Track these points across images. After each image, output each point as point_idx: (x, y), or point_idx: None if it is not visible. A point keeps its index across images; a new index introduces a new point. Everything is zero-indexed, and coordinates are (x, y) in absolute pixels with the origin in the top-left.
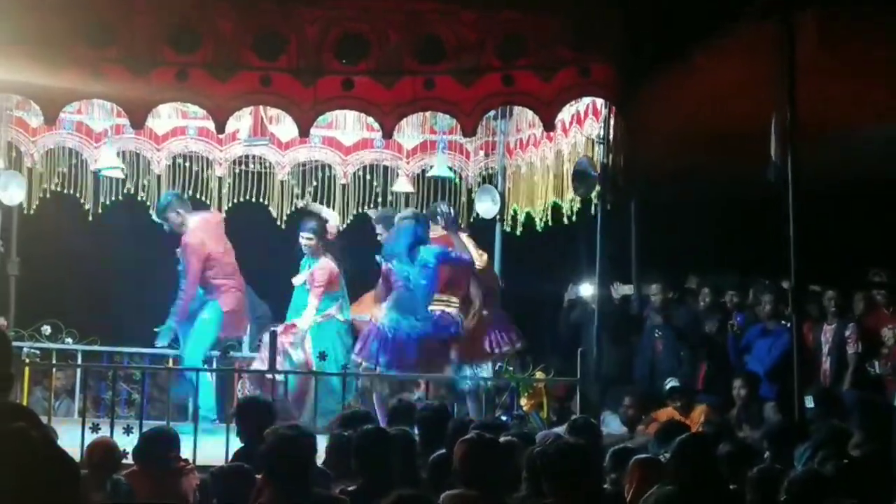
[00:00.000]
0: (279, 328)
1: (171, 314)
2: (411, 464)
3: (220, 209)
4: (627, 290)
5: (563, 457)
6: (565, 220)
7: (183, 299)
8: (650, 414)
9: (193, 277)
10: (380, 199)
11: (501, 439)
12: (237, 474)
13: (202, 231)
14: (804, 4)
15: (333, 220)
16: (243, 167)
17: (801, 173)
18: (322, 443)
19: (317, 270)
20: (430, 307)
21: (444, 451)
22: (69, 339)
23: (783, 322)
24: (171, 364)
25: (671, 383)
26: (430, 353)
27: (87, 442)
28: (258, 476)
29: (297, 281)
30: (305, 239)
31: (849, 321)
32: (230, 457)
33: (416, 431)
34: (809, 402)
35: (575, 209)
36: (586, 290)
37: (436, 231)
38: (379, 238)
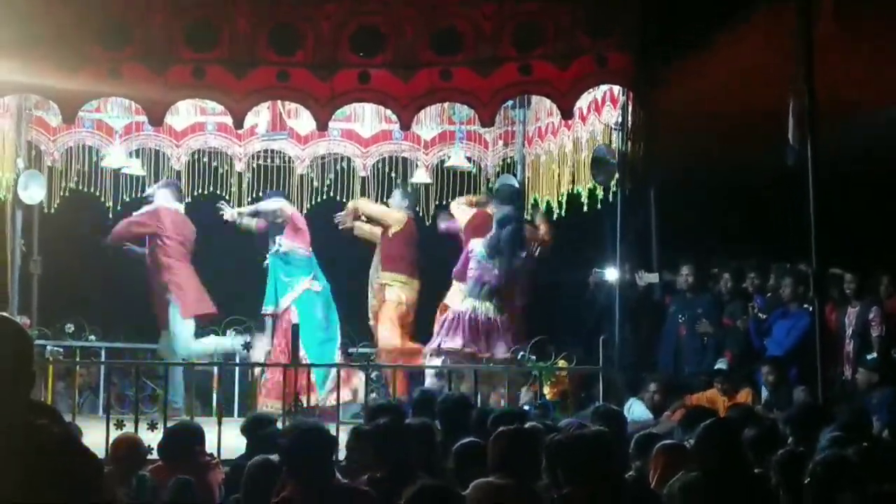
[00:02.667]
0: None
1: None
2: (433, 454)
3: (239, 204)
4: (652, 278)
5: (578, 446)
6: (585, 208)
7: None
8: (681, 399)
9: (124, 226)
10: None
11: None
12: (262, 467)
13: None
14: None
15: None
16: (262, 162)
17: (819, 156)
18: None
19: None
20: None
21: (468, 440)
22: (92, 337)
23: (804, 305)
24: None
25: (720, 365)
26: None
27: (111, 438)
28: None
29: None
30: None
31: (873, 304)
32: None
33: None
34: None
35: (596, 197)
36: (611, 273)
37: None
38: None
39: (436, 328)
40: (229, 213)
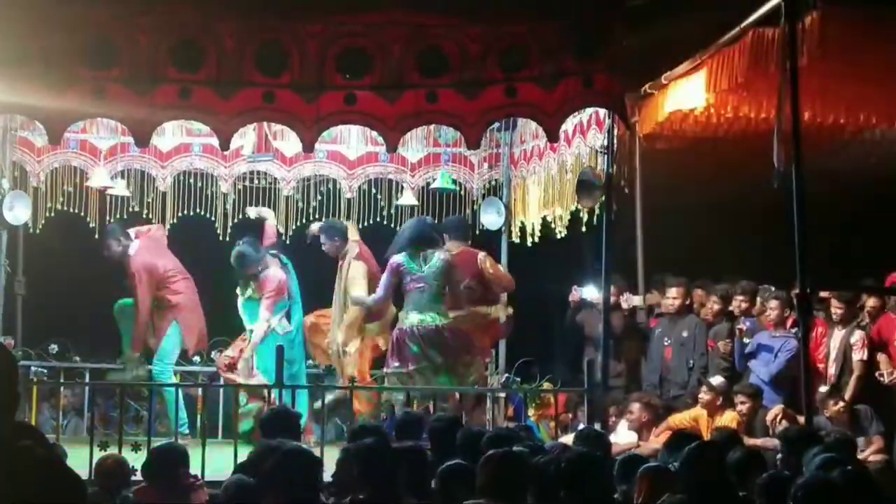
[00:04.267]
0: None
1: (124, 345)
2: (419, 475)
3: (224, 227)
4: (638, 301)
5: (578, 466)
6: (567, 232)
7: (136, 329)
8: (665, 420)
9: (145, 308)
10: (384, 213)
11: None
12: (239, 488)
13: (147, 252)
14: (807, 8)
15: (272, 219)
16: (248, 183)
17: (804, 179)
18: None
19: (266, 280)
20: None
21: (453, 462)
22: (76, 358)
23: (794, 329)
24: (178, 379)
25: (717, 380)
26: (466, 340)
27: (95, 459)
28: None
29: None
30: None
31: (856, 328)
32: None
33: (426, 443)
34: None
35: (580, 220)
36: (590, 292)
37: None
38: (323, 248)
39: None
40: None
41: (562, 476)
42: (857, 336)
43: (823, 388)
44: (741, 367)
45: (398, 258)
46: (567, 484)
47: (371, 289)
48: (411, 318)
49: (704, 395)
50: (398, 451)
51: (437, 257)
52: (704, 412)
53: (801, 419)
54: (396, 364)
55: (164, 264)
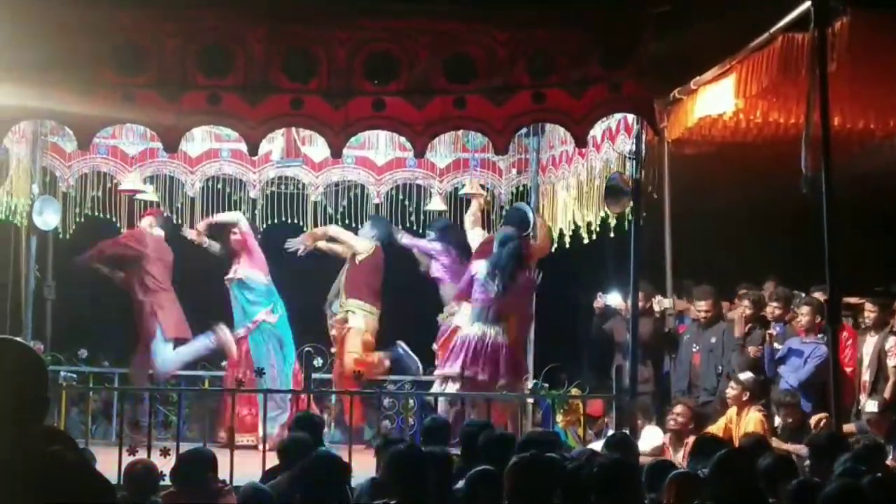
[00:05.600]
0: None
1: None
2: (446, 481)
3: (253, 230)
4: (668, 303)
5: (612, 472)
6: (598, 237)
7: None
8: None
9: (110, 246)
10: (412, 219)
11: None
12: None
13: (153, 242)
14: (837, 14)
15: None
16: (276, 189)
17: (833, 184)
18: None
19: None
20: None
21: (481, 467)
22: (105, 362)
23: (820, 335)
24: (206, 385)
25: (745, 375)
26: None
27: (124, 464)
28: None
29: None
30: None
31: (889, 333)
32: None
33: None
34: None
35: (609, 225)
36: (614, 298)
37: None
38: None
39: (442, 353)
40: (191, 233)
41: (594, 482)
42: (892, 342)
43: (864, 396)
44: (771, 372)
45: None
46: (599, 490)
47: (371, 293)
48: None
49: (731, 390)
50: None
51: None
52: (733, 415)
53: (849, 426)
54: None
55: (165, 262)
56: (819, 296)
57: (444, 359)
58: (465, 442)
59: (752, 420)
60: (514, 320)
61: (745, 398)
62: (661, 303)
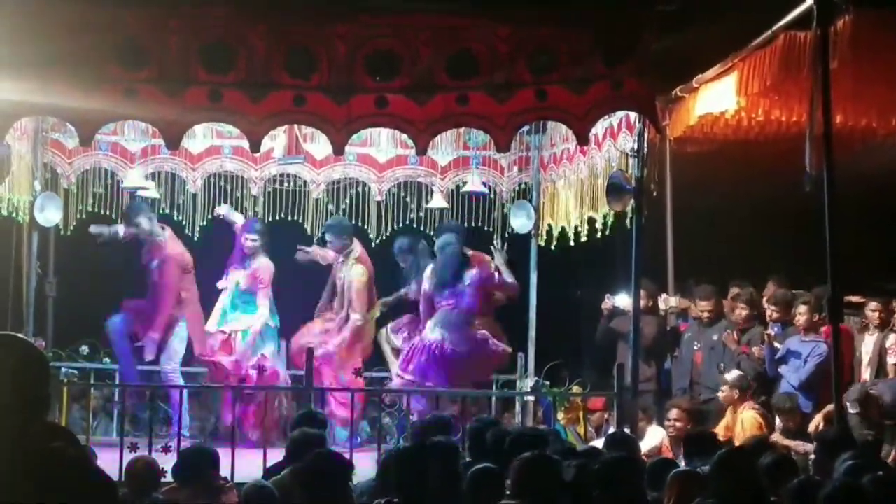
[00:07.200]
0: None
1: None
2: (454, 471)
3: None
4: (674, 301)
5: (614, 470)
6: (599, 234)
7: (161, 313)
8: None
9: (171, 292)
10: (414, 216)
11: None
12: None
13: (176, 241)
14: (839, 12)
15: (241, 221)
16: (278, 186)
17: (835, 182)
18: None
19: (259, 270)
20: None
21: (483, 465)
22: (107, 359)
23: (820, 333)
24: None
25: (732, 374)
26: (476, 372)
27: (125, 461)
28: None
29: (224, 284)
30: (250, 241)
31: (890, 331)
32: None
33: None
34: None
35: (610, 223)
36: (622, 300)
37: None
38: (330, 246)
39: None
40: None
41: (597, 479)
42: (893, 340)
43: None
44: (772, 372)
45: None
46: (602, 487)
47: (370, 295)
48: None
49: (722, 393)
50: (431, 446)
51: None
52: (730, 416)
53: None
54: None
55: (189, 259)
56: (821, 293)
57: (401, 361)
58: (471, 438)
59: (747, 418)
60: (480, 320)
61: (736, 397)
62: (666, 301)
